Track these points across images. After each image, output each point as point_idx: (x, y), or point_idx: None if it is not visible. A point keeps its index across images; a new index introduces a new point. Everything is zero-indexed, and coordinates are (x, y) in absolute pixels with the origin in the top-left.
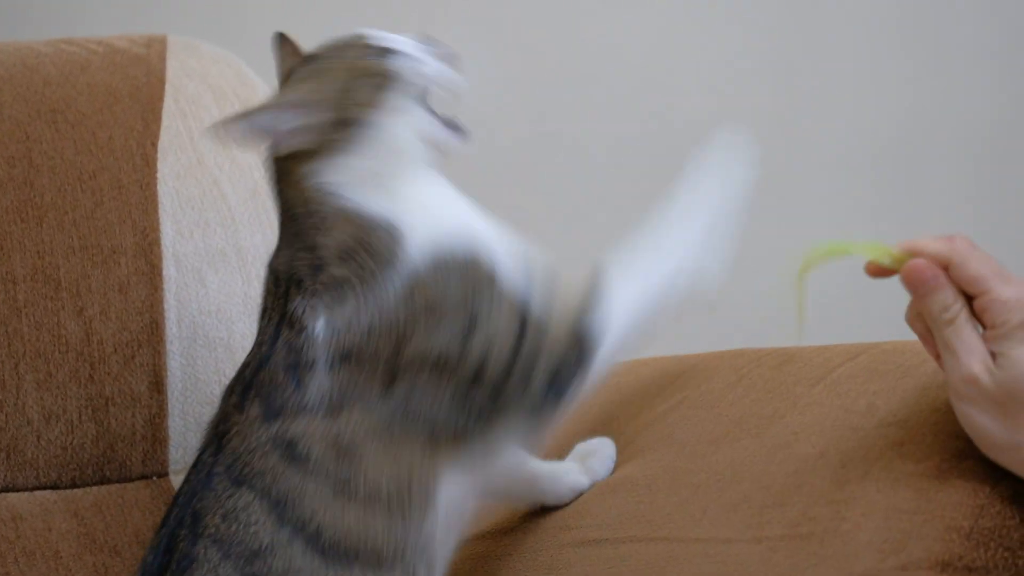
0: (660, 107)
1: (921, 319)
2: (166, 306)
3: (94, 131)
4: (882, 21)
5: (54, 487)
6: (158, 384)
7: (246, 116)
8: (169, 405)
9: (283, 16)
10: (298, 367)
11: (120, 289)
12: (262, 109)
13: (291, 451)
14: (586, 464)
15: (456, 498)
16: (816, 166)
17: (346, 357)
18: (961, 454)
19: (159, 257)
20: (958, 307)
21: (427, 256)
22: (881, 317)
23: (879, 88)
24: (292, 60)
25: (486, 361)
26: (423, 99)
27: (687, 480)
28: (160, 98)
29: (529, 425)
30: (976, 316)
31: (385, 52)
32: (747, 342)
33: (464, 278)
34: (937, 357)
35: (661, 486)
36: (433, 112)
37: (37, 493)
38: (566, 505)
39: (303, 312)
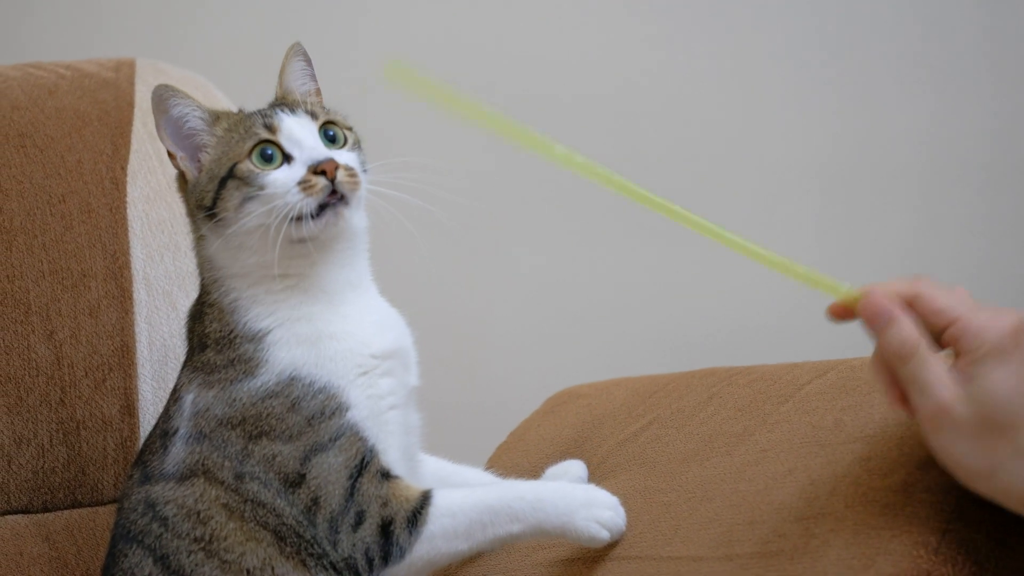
0: (616, 130)
1: (886, 367)
2: (137, 329)
3: (63, 155)
4: (817, 54)
5: (25, 511)
6: (129, 408)
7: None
8: (141, 428)
9: (250, 37)
10: (167, 434)
11: (90, 313)
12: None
13: (154, 511)
14: None
15: None
16: (764, 187)
17: (200, 437)
18: (925, 464)
19: (129, 280)
20: (918, 339)
21: (283, 376)
22: (850, 334)
23: (817, 114)
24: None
25: (320, 488)
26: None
27: (659, 499)
28: (129, 121)
29: (370, 568)
30: (949, 344)
31: (269, 156)
32: (718, 361)
33: (311, 406)
34: (900, 402)
35: (633, 506)
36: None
37: (8, 517)
38: None
39: (182, 383)
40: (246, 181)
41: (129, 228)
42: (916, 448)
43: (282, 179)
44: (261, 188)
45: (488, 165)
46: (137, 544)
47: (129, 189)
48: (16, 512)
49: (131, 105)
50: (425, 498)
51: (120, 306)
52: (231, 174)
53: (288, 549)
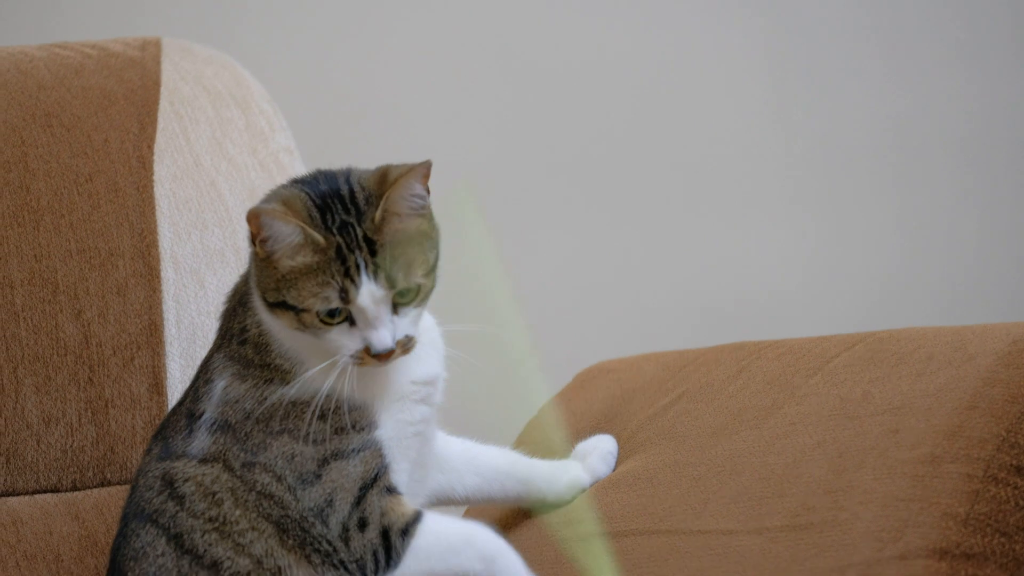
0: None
1: None
2: (165, 308)
3: (89, 134)
4: (866, 31)
5: (54, 490)
6: (158, 386)
7: (266, 215)
8: (169, 406)
9: (277, 17)
10: (192, 416)
11: (118, 292)
12: (274, 217)
13: (171, 488)
14: (587, 462)
15: None
16: (809, 167)
17: (226, 426)
18: (953, 435)
19: (157, 259)
20: None
21: (319, 394)
22: (877, 305)
23: (868, 92)
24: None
25: (335, 492)
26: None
27: (688, 473)
28: (155, 101)
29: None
30: None
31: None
32: (745, 334)
33: (342, 420)
34: None
35: (663, 480)
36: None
37: (37, 496)
38: (569, 502)
39: (216, 366)
40: (306, 325)
41: (156, 207)
42: (944, 419)
43: (338, 343)
44: (316, 336)
45: (511, 146)
46: (151, 523)
47: (156, 168)
48: (45, 491)
49: (157, 84)
50: (417, 516)
51: (148, 285)
52: (295, 311)
53: (290, 542)
